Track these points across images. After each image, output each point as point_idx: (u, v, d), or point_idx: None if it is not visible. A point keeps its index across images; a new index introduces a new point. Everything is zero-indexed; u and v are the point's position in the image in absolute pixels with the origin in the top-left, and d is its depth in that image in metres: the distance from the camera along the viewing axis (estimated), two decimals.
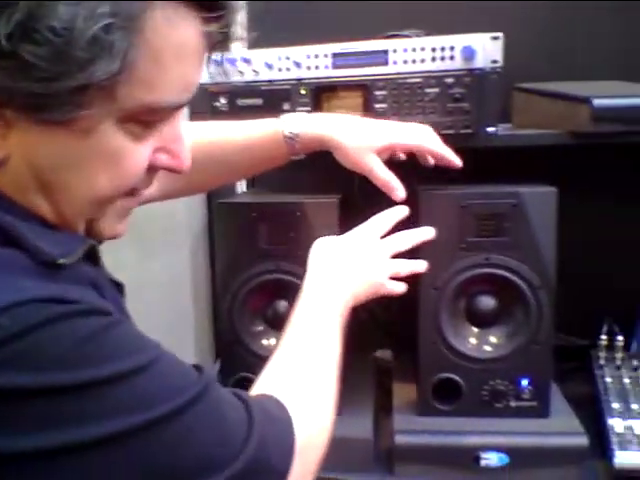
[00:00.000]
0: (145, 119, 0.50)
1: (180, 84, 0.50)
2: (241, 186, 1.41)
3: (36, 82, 0.43)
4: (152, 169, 0.55)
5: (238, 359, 1.02)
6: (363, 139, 0.85)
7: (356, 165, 0.86)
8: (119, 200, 0.54)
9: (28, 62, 0.42)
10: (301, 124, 0.87)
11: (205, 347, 1.47)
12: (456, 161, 0.88)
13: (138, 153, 0.51)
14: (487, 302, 0.97)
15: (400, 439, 0.96)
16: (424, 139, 0.88)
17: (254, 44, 1.32)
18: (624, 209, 1.29)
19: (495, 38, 0.93)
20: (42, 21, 0.41)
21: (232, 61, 1.02)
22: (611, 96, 0.94)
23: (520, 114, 1.15)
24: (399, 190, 0.86)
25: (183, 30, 0.48)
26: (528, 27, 1.26)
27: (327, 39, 1.02)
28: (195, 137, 0.86)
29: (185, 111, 1.06)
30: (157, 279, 1.34)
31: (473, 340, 0.98)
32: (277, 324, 1.03)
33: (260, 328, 1.04)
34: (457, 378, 0.97)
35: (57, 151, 0.48)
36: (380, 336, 1.38)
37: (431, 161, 0.91)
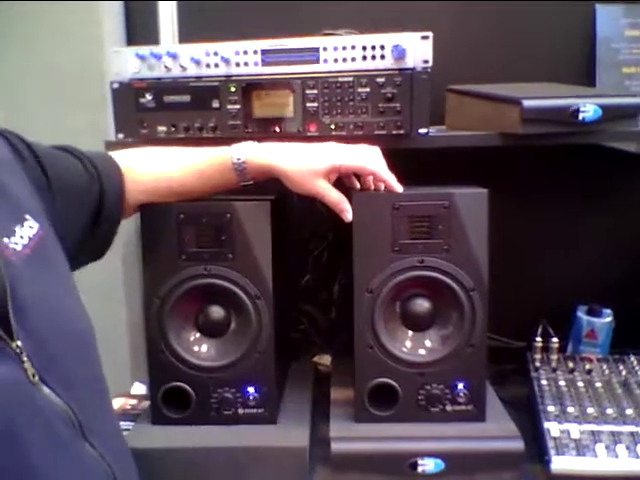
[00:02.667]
0: None
1: None
2: None
3: None
4: None
5: (168, 368, 0.97)
6: (307, 164, 0.87)
7: (304, 190, 0.88)
8: None
9: None
10: (248, 153, 0.88)
11: (140, 360, 1.41)
12: (397, 188, 0.90)
13: None
14: (421, 305, 0.95)
15: (336, 447, 0.93)
16: (367, 162, 0.88)
17: (183, 39, 1.30)
18: (556, 210, 1.30)
19: (425, 37, 0.93)
20: None
21: (158, 56, 0.98)
22: (540, 97, 0.94)
23: (453, 116, 1.15)
24: (349, 212, 0.88)
25: None
26: (461, 29, 1.27)
27: (259, 36, 0.99)
28: (146, 168, 0.89)
29: (109, 108, 1.03)
30: (89, 285, 1.28)
31: (408, 344, 0.96)
32: (209, 330, 0.99)
33: (191, 334, 1.00)
34: (393, 383, 0.95)
35: None
36: (319, 341, 1.36)
37: (371, 186, 0.94)
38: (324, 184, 0.87)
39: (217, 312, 0.98)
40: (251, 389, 0.98)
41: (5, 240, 0.61)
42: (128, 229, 1.33)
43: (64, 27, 1.28)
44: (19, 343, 0.58)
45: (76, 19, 1.27)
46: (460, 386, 0.94)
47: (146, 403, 1.13)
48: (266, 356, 0.97)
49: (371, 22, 1.19)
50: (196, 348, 0.98)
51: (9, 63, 1.34)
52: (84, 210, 0.82)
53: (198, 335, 0.99)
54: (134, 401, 1.18)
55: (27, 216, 0.66)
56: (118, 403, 1.17)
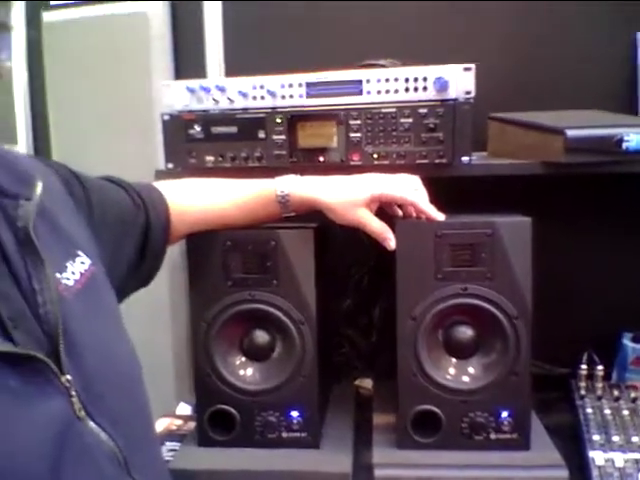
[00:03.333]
0: None
1: None
2: None
3: None
4: None
5: (214, 391, 1.00)
6: (348, 196, 0.89)
7: (347, 221, 0.90)
8: None
9: None
10: (291, 186, 0.91)
11: (185, 380, 1.44)
12: (438, 217, 0.91)
13: None
14: (465, 332, 0.96)
15: (380, 473, 0.94)
16: (407, 192, 0.90)
17: (229, 71, 1.35)
18: (600, 237, 1.29)
19: (467, 69, 0.94)
20: None
21: (207, 89, 1.02)
22: (584, 127, 0.94)
23: (495, 143, 1.16)
24: (391, 240, 0.90)
25: None
26: (505, 57, 1.28)
27: (303, 68, 1.02)
28: (191, 201, 0.92)
29: (159, 138, 1.07)
30: (136, 305, 1.32)
31: (452, 371, 0.96)
32: (254, 354, 1.01)
33: (237, 359, 1.02)
34: (436, 410, 0.95)
35: None
36: (360, 365, 1.36)
37: (413, 214, 0.94)
38: (366, 214, 0.89)
39: (262, 337, 1.00)
40: (295, 413, 0.99)
41: (58, 275, 0.62)
42: (174, 252, 1.37)
43: (116, 60, 1.34)
44: (68, 377, 0.58)
45: (127, 52, 1.32)
46: (504, 414, 0.94)
47: (191, 424, 1.15)
48: (310, 380, 0.98)
49: (412, 50, 1.22)
50: (241, 372, 1.01)
51: (65, 93, 1.41)
52: (130, 242, 0.84)
53: (243, 359, 1.01)
54: (179, 422, 1.21)
55: (79, 252, 0.67)
56: (164, 423, 1.20)
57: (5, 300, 0.54)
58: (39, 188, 0.63)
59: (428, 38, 1.30)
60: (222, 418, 1.00)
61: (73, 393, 0.58)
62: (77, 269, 0.65)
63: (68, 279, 0.63)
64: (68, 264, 0.65)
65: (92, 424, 0.59)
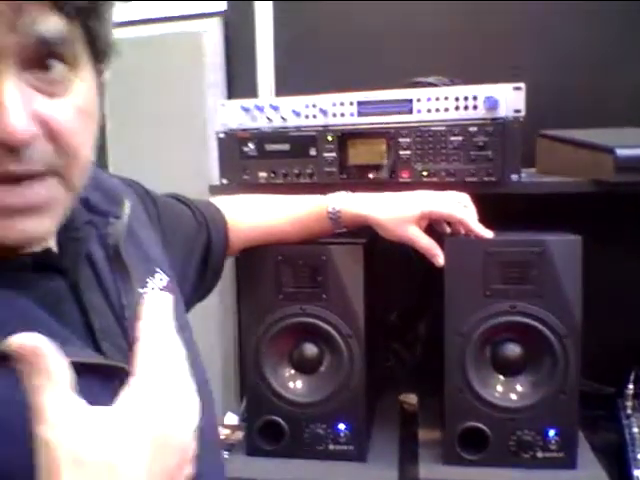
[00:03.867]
0: None
1: None
2: None
3: None
4: None
5: (264, 401, 1.02)
6: (398, 213, 0.91)
7: (396, 237, 0.91)
8: None
9: None
10: (343, 203, 0.92)
11: (231, 390, 1.47)
12: (486, 235, 0.92)
13: None
14: (513, 350, 0.96)
15: None
16: (456, 209, 0.91)
17: (279, 89, 1.38)
18: None
19: (517, 88, 0.95)
20: None
21: (260, 108, 1.05)
22: (635, 146, 0.94)
23: (544, 160, 1.16)
24: (440, 257, 0.91)
25: None
26: (556, 73, 1.28)
27: (354, 84, 1.05)
28: (247, 218, 0.95)
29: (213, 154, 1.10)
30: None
31: (499, 388, 0.97)
32: (304, 367, 1.03)
33: (286, 371, 1.04)
34: (483, 427, 0.95)
35: None
36: (405, 379, 1.37)
37: (462, 231, 0.95)
38: (415, 231, 0.91)
39: (311, 350, 1.02)
40: (342, 426, 1.01)
41: (140, 290, 0.64)
42: (225, 263, 1.41)
43: (171, 77, 1.39)
44: None
45: (182, 70, 1.37)
46: (552, 433, 0.93)
47: (239, 433, 1.18)
48: (357, 394, 1.00)
49: (461, 67, 1.24)
50: (291, 384, 1.03)
51: (122, 110, 1.46)
52: (194, 260, 0.87)
53: (292, 371, 1.03)
54: (227, 431, 1.24)
55: (157, 269, 0.70)
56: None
57: (97, 313, 0.56)
58: (127, 207, 0.65)
59: (477, 55, 1.31)
60: (271, 428, 1.02)
61: None
62: (156, 285, 0.68)
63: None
64: (149, 280, 0.67)
65: None
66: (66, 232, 0.57)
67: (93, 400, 0.50)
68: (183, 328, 0.71)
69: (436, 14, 1.35)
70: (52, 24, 0.45)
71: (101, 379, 0.52)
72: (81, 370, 0.50)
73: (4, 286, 0.48)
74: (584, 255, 0.91)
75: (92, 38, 0.51)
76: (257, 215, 0.96)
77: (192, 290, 0.86)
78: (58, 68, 0.47)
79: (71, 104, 0.48)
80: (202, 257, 0.88)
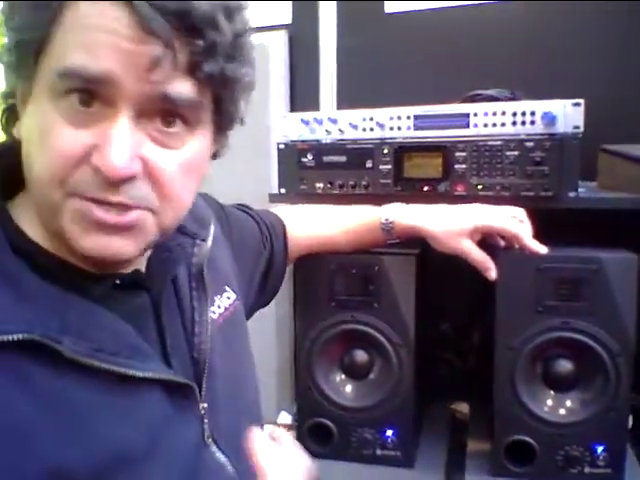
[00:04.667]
0: (65, 89, 0.48)
1: (82, 49, 0.47)
2: None
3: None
4: (97, 170, 0.49)
5: (314, 404, 1.06)
6: (452, 226, 0.91)
7: (449, 249, 0.92)
8: (69, 199, 0.50)
9: None
10: (396, 214, 0.94)
11: (286, 390, 1.51)
12: (540, 250, 0.90)
13: (69, 134, 0.48)
14: (564, 366, 0.96)
15: None
16: (510, 224, 0.91)
17: (341, 101, 1.42)
18: None
19: (577, 104, 0.95)
20: None
21: (320, 121, 1.08)
22: None
23: (605, 175, 1.15)
24: (492, 270, 0.91)
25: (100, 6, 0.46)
26: (621, 87, 1.26)
27: (414, 98, 1.07)
28: (304, 229, 0.99)
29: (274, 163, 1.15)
30: None
31: (549, 403, 0.97)
32: (354, 373, 1.06)
33: (337, 376, 1.07)
34: (531, 441, 0.96)
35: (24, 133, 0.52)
36: (457, 388, 1.38)
37: (515, 246, 0.93)
38: (468, 244, 0.91)
39: (361, 356, 1.05)
40: (390, 432, 1.03)
41: (212, 308, 0.67)
42: None
43: None
44: (205, 405, 0.61)
45: None
46: (600, 449, 0.93)
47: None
48: (406, 401, 1.02)
49: (523, 80, 1.24)
50: (341, 388, 1.06)
51: None
52: (259, 271, 0.91)
53: (343, 376, 1.07)
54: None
55: (227, 287, 0.74)
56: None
57: (171, 330, 0.60)
58: (212, 231, 0.70)
59: (541, 69, 1.31)
60: (321, 431, 1.06)
61: (206, 420, 0.61)
62: (223, 303, 0.71)
63: (214, 312, 0.68)
64: (216, 298, 0.71)
65: (215, 449, 0.62)
66: (157, 252, 0.62)
67: (163, 416, 0.55)
68: (239, 346, 0.75)
69: (499, 27, 1.36)
70: (181, 88, 0.49)
71: (170, 395, 0.56)
72: (157, 386, 0.55)
73: (94, 301, 0.53)
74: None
75: (219, 108, 0.55)
76: (313, 225, 1.00)
77: (253, 302, 0.90)
78: (178, 126, 0.51)
79: (180, 156, 0.52)
80: (266, 268, 0.92)
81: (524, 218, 0.94)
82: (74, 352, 0.49)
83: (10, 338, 0.46)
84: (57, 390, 0.49)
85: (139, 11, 0.45)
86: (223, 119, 0.57)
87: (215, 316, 0.69)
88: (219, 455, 0.62)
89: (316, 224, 1.00)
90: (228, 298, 0.73)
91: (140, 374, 0.52)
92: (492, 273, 0.91)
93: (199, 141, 0.54)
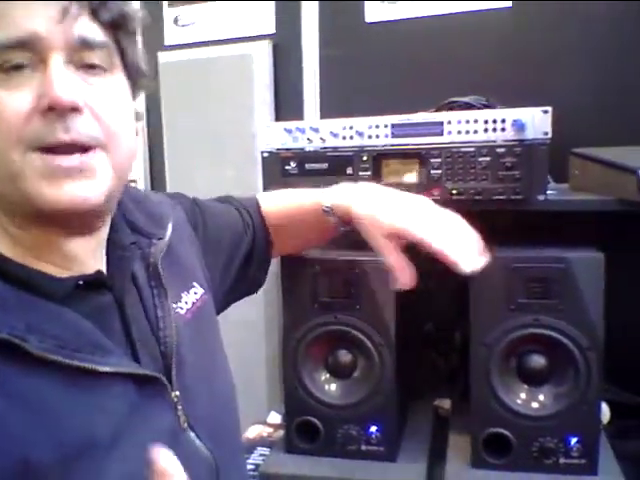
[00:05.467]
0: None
1: (5, 22, 0.54)
2: None
3: None
4: (44, 114, 0.54)
5: (301, 403, 1.10)
6: (375, 214, 0.84)
7: (369, 239, 0.86)
8: (28, 156, 0.54)
9: None
10: (334, 198, 0.89)
11: (276, 391, 1.56)
12: (465, 269, 0.79)
13: (11, 96, 0.54)
14: (537, 361, 1.00)
15: None
16: (434, 238, 0.80)
17: (324, 108, 1.46)
18: None
19: (545, 112, 0.99)
20: None
21: (302, 130, 1.13)
22: None
23: (576, 177, 1.19)
24: (404, 281, 0.84)
25: None
26: (588, 93, 1.31)
27: (393, 105, 1.12)
28: (274, 206, 0.99)
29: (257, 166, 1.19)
30: (233, 317, 1.46)
31: (524, 396, 1.01)
32: (338, 372, 1.10)
33: (322, 375, 1.11)
34: (507, 433, 1.00)
35: None
36: (440, 385, 1.42)
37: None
38: (385, 242, 0.83)
39: (345, 356, 1.09)
40: (374, 428, 1.07)
41: (173, 305, 0.71)
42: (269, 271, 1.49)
43: (223, 97, 1.49)
44: (177, 393, 0.65)
45: (233, 90, 1.47)
46: (573, 440, 0.97)
47: (281, 432, 1.26)
48: (388, 398, 1.06)
49: (494, 85, 1.29)
50: (326, 387, 1.10)
51: (177, 127, 1.57)
52: (239, 257, 0.93)
53: (328, 375, 1.11)
54: (270, 429, 1.32)
55: (194, 283, 0.77)
56: (256, 430, 1.32)
57: (136, 323, 0.65)
58: (169, 229, 0.74)
59: (513, 77, 1.36)
60: (308, 428, 1.10)
61: (179, 407, 0.65)
62: (190, 299, 0.75)
63: (181, 308, 0.73)
64: (183, 294, 0.75)
65: (193, 435, 0.66)
66: (114, 251, 0.67)
67: (130, 405, 0.59)
68: (208, 338, 0.78)
69: (476, 37, 1.41)
70: (92, 31, 0.57)
71: (138, 386, 0.60)
72: (120, 378, 0.58)
73: (58, 302, 0.58)
74: (609, 271, 0.94)
75: (123, 51, 0.61)
76: (282, 200, 1.00)
77: (232, 286, 0.92)
78: (97, 69, 0.58)
79: (107, 93, 0.59)
80: (248, 251, 0.94)
81: (458, 231, 0.82)
82: (39, 349, 0.53)
83: None
84: (25, 386, 0.53)
85: None
86: (130, 67, 0.63)
87: (183, 312, 0.73)
88: (195, 440, 0.66)
89: (285, 199, 0.99)
90: (195, 293, 0.76)
91: (100, 368, 0.56)
92: (405, 281, 0.83)
93: (120, 83, 0.61)
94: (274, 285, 1.48)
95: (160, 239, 0.72)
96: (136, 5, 0.63)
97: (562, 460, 0.99)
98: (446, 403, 1.35)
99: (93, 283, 0.62)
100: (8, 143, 0.54)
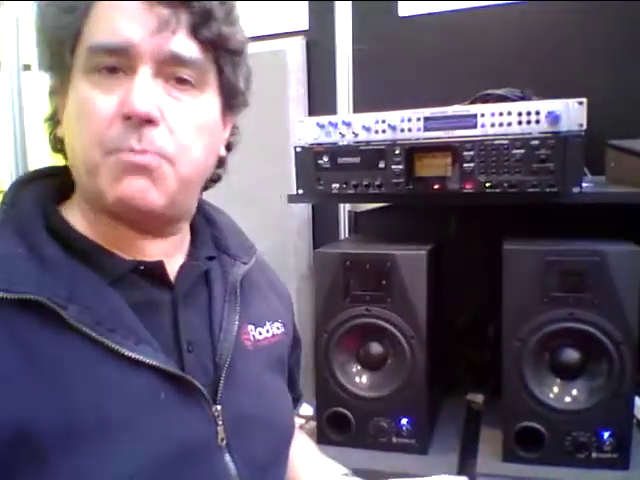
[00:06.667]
0: (95, 65, 0.57)
1: (108, 28, 0.57)
2: (344, 231, 1.53)
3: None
4: (123, 121, 0.57)
5: (333, 395, 1.11)
6: None
7: None
8: (107, 158, 0.57)
9: None
10: None
11: (308, 383, 1.57)
12: None
13: (100, 99, 0.57)
14: (570, 355, 1.00)
15: None
16: None
17: (356, 102, 1.47)
18: None
19: (580, 103, 0.98)
20: None
21: (334, 125, 1.14)
22: None
23: (613, 169, 1.18)
24: None
25: None
26: (624, 85, 1.29)
27: (428, 99, 1.12)
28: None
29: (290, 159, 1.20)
30: None
31: (557, 390, 1.01)
32: (368, 364, 1.11)
33: (354, 367, 1.13)
34: (540, 427, 1.00)
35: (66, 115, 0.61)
36: (473, 379, 1.42)
37: None
38: None
39: (376, 348, 1.10)
40: (404, 420, 1.08)
41: (250, 327, 0.71)
42: (301, 265, 1.51)
43: (258, 92, 1.50)
44: (218, 407, 0.63)
45: (268, 86, 1.48)
46: (606, 435, 0.97)
47: (312, 423, 1.27)
48: (419, 391, 1.07)
49: (529, 77, 1.28)
50: (357, 379, 1.11)
51: None
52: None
53: (359, 367, 1.12)
54: (302, 421, 1.33)
55: (281, 320, 0.78)
56: None
57: (189, 326, 0.64)
58: (253, 259, 0.76)
59: (549, 68, 1.34)
60: (339, 420, 1.11)
61: (220, 422, 0.62)
62: (272, 330, 0.75)
63: (260, 333, 0.73)
64: (267, 322, 0.75)
65: (227, 456, 0.63)
66: (190, 260, 0.68)
67: (152, 399, 0.58)
68: (275, 372, 0.76)
69: (511, 29, 1.40)
70: (187, 47, 0.58)
71: (169, 384, 0.59)
72: (148, 370, 0.57)
73: (110, 283, 0.59)
74: None
75: (221, 73, 0.63)
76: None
77: None
78: (188, 85, 0.60)
79: (192, 110, 0.60)
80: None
81: None
82: (76, 320, 0.54)
83: (15, 297, 0.53)
84: (48, 351, 0.53)
85: None
86: (226, 86, 0.64)
87: (259, 337, 0.73)
88: (229, 463, 0.63)
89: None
90: (278, 329, 0.77)
91: (127, 352, 0.56)
92: None
93: (208, 101, 0.62)
94: (306, 278, 1.51)
95: (244, 263, 0.74)
96: (241, 27, 0.64)
97: (595, 454, 0.98)
98: (479, 397, 1.35)
99: (154, 276, 0.63)
100: (91, 143, 0.57)
